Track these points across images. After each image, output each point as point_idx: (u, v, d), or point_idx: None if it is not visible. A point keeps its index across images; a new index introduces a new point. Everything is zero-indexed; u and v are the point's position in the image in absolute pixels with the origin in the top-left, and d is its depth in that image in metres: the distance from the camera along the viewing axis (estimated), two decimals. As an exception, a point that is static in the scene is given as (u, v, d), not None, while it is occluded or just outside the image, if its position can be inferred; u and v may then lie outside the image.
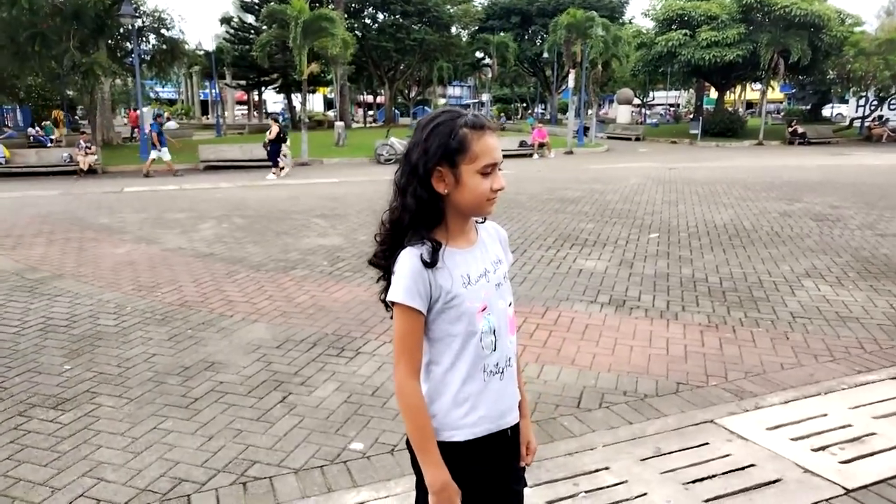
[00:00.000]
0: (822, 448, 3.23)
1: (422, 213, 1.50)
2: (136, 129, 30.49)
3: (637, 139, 33.69)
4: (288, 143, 19.95)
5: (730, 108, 39.59)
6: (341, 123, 27.42)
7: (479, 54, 47.45)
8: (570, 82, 27.72)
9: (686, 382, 4.07)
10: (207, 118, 46.94)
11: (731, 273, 6.59)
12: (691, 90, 47.42)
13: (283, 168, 17.42)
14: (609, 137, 33.84)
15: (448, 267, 1.51)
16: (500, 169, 1.53)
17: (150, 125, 18.76)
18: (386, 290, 1.57)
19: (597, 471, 3.07)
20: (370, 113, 55.26)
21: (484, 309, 1.56)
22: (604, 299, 5.73)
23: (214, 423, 3.55)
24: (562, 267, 6.87)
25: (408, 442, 1.61)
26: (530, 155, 23.43)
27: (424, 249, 1.48)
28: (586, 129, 30.01)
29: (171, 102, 57.26)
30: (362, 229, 8.99)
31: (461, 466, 1.56)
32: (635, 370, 4.25)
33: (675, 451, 3.23)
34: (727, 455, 3.19)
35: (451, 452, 1.55)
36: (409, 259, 1.48)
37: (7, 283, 6.26)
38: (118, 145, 25.56)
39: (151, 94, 51.49)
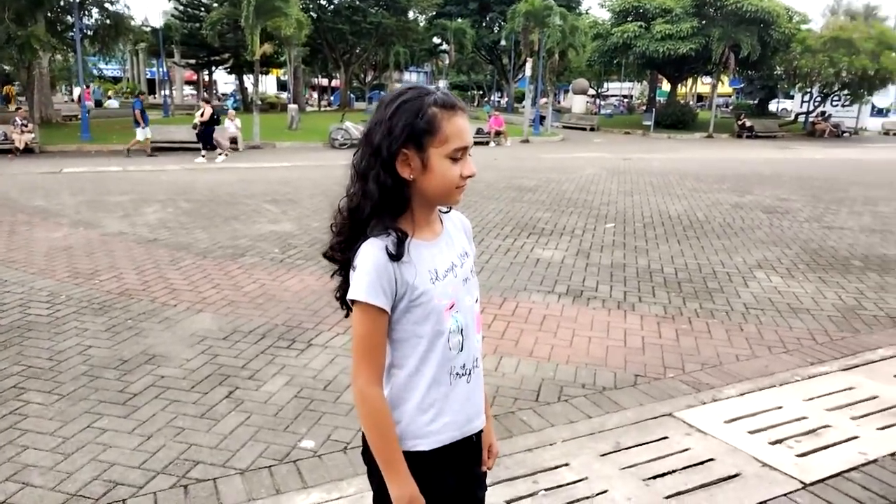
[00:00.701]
0: (779, 441, 3.23)
1: (385, 201, 1.35)
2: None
3: (592, 129, 34.00)
4: (238, 124, 19.39)
5: (682, 101, 40.36)
6: (295, 106, 26.80)
7: (436, 40, 47.02)
8: (528, 71, 27.77)
9: (644, 374, 4.04)
10: (154, 97, 45.22)
11: (686, 264, 6.64)
12: (645, 82, 48.13)
13: (220, 153, 16.76)
14: (564, 127, 34.06)
15: (414, 261, 1.37)
16: (469, 154, 1.40)
17: (134, 102, 18.13)
18: (342, 286, 1.42)
19: (556, 467, 2.99)
20: (325, 97, 54.28)
21: (452, 306, 1.43)
22: (561, 289, 5.68)
23: (154, 421, 3.33)
24: (519, 256, 6.79)
25: (365, 452, 1.47)
26: (487, 143, 23.36)
27: (389, 241, 1.33)
28: (542, 118, 30.12)
29: (116, 80, 55.01)
30: (315, 215, 8.73)
31: (426, 477, 1.43)
32: (594, 362, 4.20)
33: (635, 446, 3.18)
34: (686, 449, 3.16)
35: (416, 462, 1.42)
36: (372, 252, 1.33)
37: (-72, 269, 5.83)
38: (58, 123, 24.35)
39: (95, 71, 49.38)
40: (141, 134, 17.41)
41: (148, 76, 53.36)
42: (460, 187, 1.38)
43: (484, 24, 47.93)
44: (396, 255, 1.33)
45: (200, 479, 2.87)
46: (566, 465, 3.01)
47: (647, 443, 3.21)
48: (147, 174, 13.31)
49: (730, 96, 59.78)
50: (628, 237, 7.83)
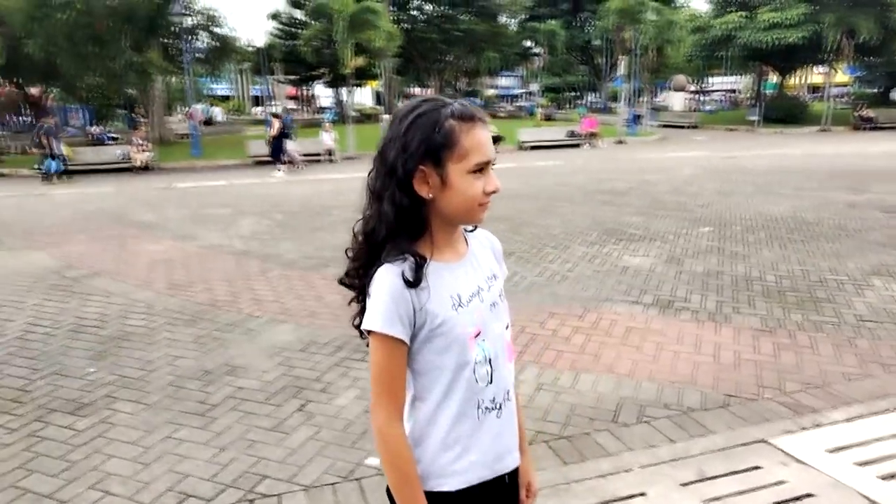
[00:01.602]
0: (893, 476, 2.86)
1: (402, 223, 1.27)
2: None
3: (692, 127, 32.51)
4: (334, 136, 19.92)
5: (792, 93, 37.81)
6: (387, 117, 27.32)
7: (527, 43, 46.61)
8: (621, 69, 26.90)
9: (736, 395, 3.72)
10: (257, 113, 47.70)
11: (790, 271, 6.12)
12: (751, 75, 45.51)
13: (289, 162, 17.01)
14: (662, 125, 32.79)
15: (434, 286, 1.27)
16: (492, 167, 1.29)
17: (284, 118, 19.22)
18: (360, 314, 1.34)
19: (631, 497, 2.79)
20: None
21: (478, 335, 1.31)
22: (648, 300, 5.37)
23: (228, 433, 3.41)
24: (605, 264, 6.51)
25: (388, 493, 1.38)
26: (579, 145, 22.85)
27: (406, 266, 1.25)
28: (638, 117, 29.11)
29: (226, 98, 58.47)
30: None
31: None
32: (680, 380, 3.92)
33: (722, 476, 2.92)
34: (781, 482, 2.85)
35: None
36: (387, 278, 1.24)
37: (46, 282, 6.32)
38: (172, 142, 26.13)
39: (207, 92, 52.71)
40: (292, 146, 18.36)
41: (253, 93, 56.34)
42: (483, 204, 1.28)
43: (575, 24, 47.03)
44: (414, 281, 1.24)
45: (266, 495, 2.89)
46: (642, 494, 2.80)
47: (736, 472, 2.94)
48: (247, 187, 13.96)
49: (847, 85, 55.45)
50: (725, 242, 7.34)
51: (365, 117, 37.85)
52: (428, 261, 1.27)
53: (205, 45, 28.19)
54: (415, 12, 39.35)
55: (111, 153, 19.76)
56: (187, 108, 27.18)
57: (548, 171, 15.29)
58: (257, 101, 56.08)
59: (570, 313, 5.06)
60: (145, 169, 18.50)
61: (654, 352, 4.34)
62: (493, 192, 1.28)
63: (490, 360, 1.34)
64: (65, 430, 3.47)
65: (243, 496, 2.88)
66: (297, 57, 35.01)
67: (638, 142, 25.10)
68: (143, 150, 18.78)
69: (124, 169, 18.38)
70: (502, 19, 42.02)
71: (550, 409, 3.60)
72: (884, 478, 2.85)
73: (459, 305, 1.30)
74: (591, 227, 8.30)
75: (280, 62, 39.08)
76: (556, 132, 24.64)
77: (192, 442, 3.33)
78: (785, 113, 31.29)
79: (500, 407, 1.37)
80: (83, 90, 31.13)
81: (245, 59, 35.09)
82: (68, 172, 17.88)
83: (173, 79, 30.99)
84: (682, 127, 32.66)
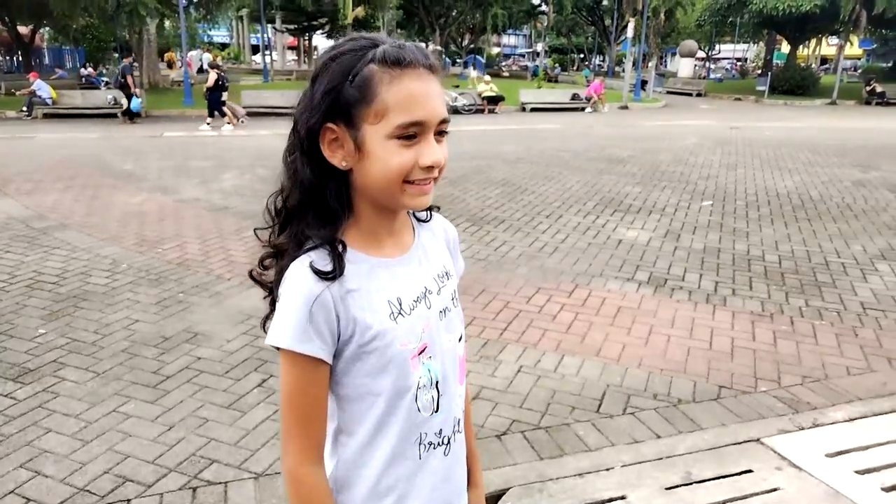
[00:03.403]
0: (897, 489, 2.62)
1: (310, 200, 0.95)
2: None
3: (698, 95, 31.82)
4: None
5: (802, 64, 36.98)
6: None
7: (535, 1, 45.43)
8: (630, 32, 26.13)
9: (730, 386, 3.46)
10: (257, 63, 46.60)
11: (793, 251, 5.83)
12: (761, 43, 44.48)
13: (229, 120, 16.03)
14: (668, 92, 32.09)
15: (366, 288, 0.96)
16: (441, 132, 0.94)
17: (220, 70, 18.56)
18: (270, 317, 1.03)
19: (611, 500, 2.54)
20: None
21: (422, 351, 1.01)
22: (642, 277, 5.09)
23: (179, 409, 3.14)
24: (599, 236, 6.21)
25: None
26: (582, 109, 22.31)
27: (319, 255, 0.93)
28: (644, 82, 28.43)
29: (224, 46, 57.12)
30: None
31: None
32: (671, 367, 3.66)
33: (710, 479, 2.67)
34: (774, 489, 2.61)
35: None
36: (296, 277, 0.92)
37: (9, 232, 6.00)
38: (164, 89, 25.44)
39: (205, 38, 51.42)
40: None
41: (252, 42, 55.04)
42: (415, 183, 0.93)
43: (586, -17, 45.73)
44: (329, 273, 0.92)
45: (212, 482, 2.64)
46: (622, 497, 2.56)
47: (726, 476, 2.70)
48: (237, 139, 13.53)
49: (859, 59, 54.37)
50: (727, 217, 7.03)
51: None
52: (352, 251, 0.96)
53: (201, -13, 27.29)
54: (420, -38, 38.10)
55: (101, 97, 19.19)
56: (186, 57, 26.41)
57: (549, 135, 14.85)
58: (255, 49, 54.81)
59: (559, 289, 4.78)
60: (135, 115, 17.96)
61: (644, 335, 4.07)
62: (431, 166, 0.93)
63: (437, 382, 1.04)
64: (3, 399, 3.20)
65: (186, 482, 2.63)
66: (297, 5, 34.02)
67: (642, 108, 24.53)
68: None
69: (113, 115, 17.84)
70: (510, -26, 40.80)
71: (530, 394, 3.35)
72: (886, 489, 2.61)
73: (399, 314, 0.98)
74: (588, 196, 7.97)
75: (279, 10, 37.95)
76: (559, 94, 24.06)
77: (138, 417, 3.07)
78: (794, 84, 30.60)
79: (448, 441, 1.07)
80: (75, 31, 30.28)
81: (243, 5, 34.04)
82: (51, 115, 17.36)
83: (167, 22, 30.12)
84: (689, 94, 31.97)
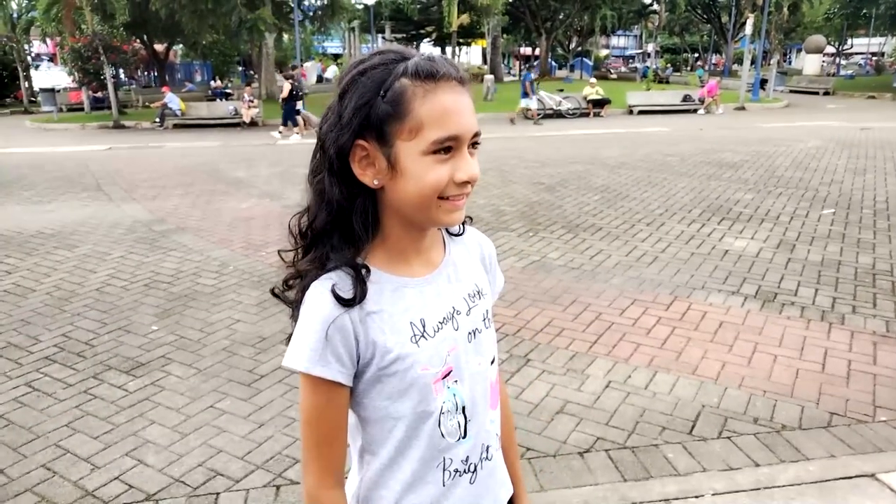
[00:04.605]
0: None
1: (337, 221, 0.93)
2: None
3: (826, 93, 29.53)
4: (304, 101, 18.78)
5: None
6: (490, 77, 26.76)
7: (646, 0, 43.99)
8: (749, 28, 24.68)
9: (843, 414, 3.16)
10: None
11: (928, 266, 5.26)
12: (901, 35, 40.71)
13: (297, 129, 16.23)
14: (792, 91, 30.00)
15: (388, 310, 0.94)
16: (474, 146, 0.92)
17: (524, 76, 19.74)
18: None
19: (698, 531, 2.38)
20: (525, 66, 53.71)
21: (447, 375, 0.98)
22: (749, 290, 4.76)
23: (270, 408, 3.28)
24: (703, 246, 5.88)
25: None
26: (695, 111, 21.32)
27: (342, 278, 0.92)
28: (764, 81, 26.75)
29: (337, 57, 59.54)
30: (501, 186, 8.43)
31: None
32: (775, 389, 3.39)
33: (813, 517, 2.44)
34: (889, 533, 2.35)
35: None
36: (315, 299, 0.92)
37: (135, 235, 6.53)
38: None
39: (320, 49, 53.82)
40: (524, 102, 19.11)
41: (363, 51, 57.01)
42: (451, 199, 0.90)
43: (701, -21, 43.72)
44: (350, 300, 0.91)
45: (293, 482, 2.72)
46: (711, 529, 2.39)
47: (832, 514, 2.46)
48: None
49: None
50: (850, 227, 6.45)
51: (471, 76, 37.23)
52: (376, 272, 0.94)
53: (315, 2, 28.62)
54: (526, -33, 37.94)
55: (223, 108, 20.57)
56: (301, 67, 27.76)
57: (655, 138, 14.30)
58: (367, 59, 56.63)
59: (656, 301, 4.57)
60: (253, 125, 19.08)
61: (748, 353, 3.80)
62: (468, 181, 0.90)
63: (463, 408, 1.00)
64: (116, 390, 3.47)
65: (272, 480, 2.74)
66: (405, 15, 34.89)
67: (761, 108, 23.08)
68: (252, 107, 19.33)
69: (234, 124, 19.04)
70: (620, -26, 39.74)
71: (617, 411, 3.21)
72: None
73: (422, 336, 0.95)
74: (694, 203, 7.58)
75: (388, 20, 39.07)
76: (669, 96, 23.09)
77: (232, 414, 3.23)
78: (939, 79, 27.75)
79: (475, 469, 1.03)
80: (204, 47, 32.65)
81: (354, 17, 35.33)
82: (180, 126, 18.75)
83: (285, 36, 31.80)
84: (815, 93, 29.74)
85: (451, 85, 0.88)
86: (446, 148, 0.88)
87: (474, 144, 0.91)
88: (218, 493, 2.66)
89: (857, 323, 4.20)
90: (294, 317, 1.00)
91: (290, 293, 1.01)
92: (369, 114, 0.88)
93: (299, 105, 16.74)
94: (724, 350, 3.85)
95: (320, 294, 0.91)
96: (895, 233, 6.22)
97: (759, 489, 2.62)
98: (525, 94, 19.20)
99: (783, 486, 2.64)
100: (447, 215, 0.92)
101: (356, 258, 0.93)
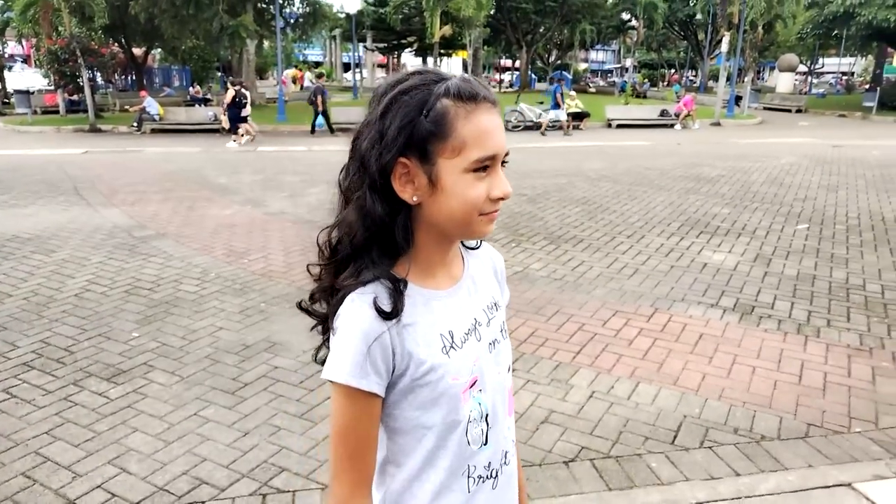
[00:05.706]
0: None
1: (375, 234, 0.95)
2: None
3: (798, 111, 30.18)
4: (248, 109, 18.65)
5: (917, 78, 34.40)
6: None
7: (624, 16, 44.66)
8: (724, 46, 25.19)
9: (820, 425, 3.24)
10: (348, 80, 48.19)
11: (899, 280, 5.41)
12: (870, 56, 41.84)
13: (242, 135, 16.19)
14: (765, 108, 30.64)
15: (421, 322, 0.96)
16: (504, 164, 0.96)
17: (554, 87, 19.84)
18: (326, 344, 1.03)
19: (681, 539, 2.42)
20: (504, 77, 54.11)
21: (473, 384, 1.01)
22: (727, 303, 4.86)
23: (255, 416, 3.26)
24: (682, 259, 5.98)
25: None
26: (672, 125, 21.66)
27: (380, 292, 0.94)
28: (738, 98, 27.28)
29: (317, 65, 59.43)
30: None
31: None
32: (754, 400, 3.47)
33: (793, 525, 2.50)
34: (866, 541, 2.41)
35: None
36: (356, 312, 0.93)
37: (114, 240, 6.45)
38: (261, 106, 26.70)
39: (300, 57, 53.70)
40: (553, 113, 19.25)
41: (344, 60, 56.96)
42: (487, 214, 0.95)
43: (678, -3, 44.53)
44: (391, 313, 0.93)
45: (281, 490, 2.72)
46: (694, 538, 2.43)
47: (811, 523, 2.52)
48: (327, 154, 13.96)
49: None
50: (824, 242, 6.61)
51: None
52: (408, 285, 0.96)
53: (297, 10, 28.57)
54: (508, -19, 38.30)
55: (202, 114, 20.38)
56: (282, 75, 27.66)
57: (634, 152, 14.50)
58: (347, 67, 56.69)
59: (637, 313, 4.64)
60: (231, 131, 18.92)
61: (727, 365, 3.88)
62: (501, 198, 0.95)
63: (486, 415, 1.03)
64: (97, 398, 3.43)
65: (257, 489, 2.72)
66: (387, 25, 35.01)
67: (735, 125, 23.53)
68: (231, 113, 19.18)
69: (213, 130, 18.88)
70: (600, -10, 40.32)
71: (601, 421, 3.26)
72: None
73: (452, 347, 0.98)
74: (673, 217, 7.71)
75: (370, 29, 39.16)
76: (646, 111, 23.47)
77: (216, 422, 3.21)
78: (907, 100, 28.49)
79: (496, 475, 1.06)
80: (183, 52, 32.36)
81: (336, 25, 35.36)
82: (158, 130, 18.52)
83: (266, 43, 31.72)
84: (788, 111, 30.38)
85: (488, 106, 0.93)
86: (485, 167, 0.92)
87: (503, 163, 0.96)
88: (203, 502, 2.64)
89: (832, 336, 4.30)
90: (325, 330, 1.01)
91: (317, 306, 1.03)
92: (412, 133, 0.90)
93: (245, 112, 16.56)
94: (705, 362, 3.92)
95: (360, 307, 0.93)
96: (868, 248, 6.39)
97: (739, 498, 2.68)
98: (556, 105, 19.31)
99: (763, 495, 2.69)
100: (485, 227, 0.97)
101: (392, 270, 0.95)
